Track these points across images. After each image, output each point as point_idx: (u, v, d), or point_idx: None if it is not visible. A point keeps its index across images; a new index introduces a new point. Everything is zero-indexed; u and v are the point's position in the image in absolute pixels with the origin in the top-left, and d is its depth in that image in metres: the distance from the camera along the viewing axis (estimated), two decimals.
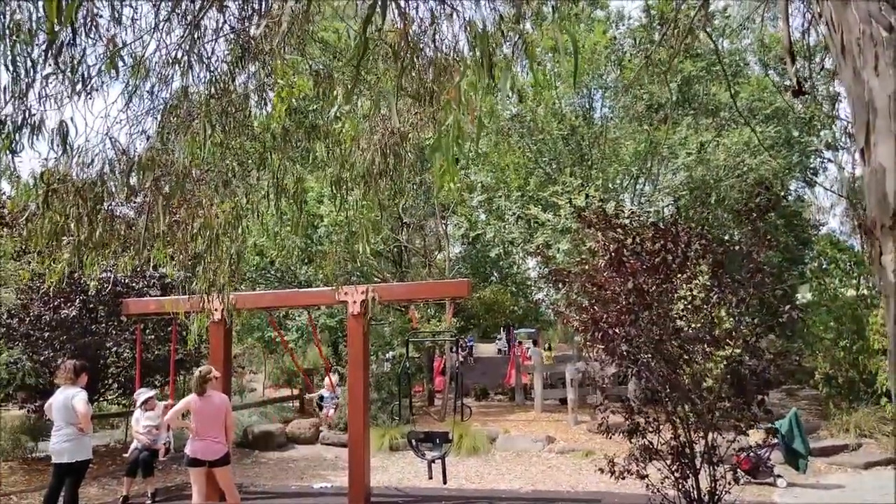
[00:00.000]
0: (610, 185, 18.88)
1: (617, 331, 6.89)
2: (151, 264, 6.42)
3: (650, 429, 6.76)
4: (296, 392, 20.13)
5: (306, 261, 19.67)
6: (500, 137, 18.55)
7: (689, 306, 6.81)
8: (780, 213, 17.67)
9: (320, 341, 23.27)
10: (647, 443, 6.70)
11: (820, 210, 31.49)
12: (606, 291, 7.41)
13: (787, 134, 18.16)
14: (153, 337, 12.57)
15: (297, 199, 6.16)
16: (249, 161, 6.08)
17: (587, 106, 20.50)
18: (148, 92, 5.15)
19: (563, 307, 8.43)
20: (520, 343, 29.83)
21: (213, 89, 5.32)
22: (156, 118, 5.30)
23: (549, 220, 16.44)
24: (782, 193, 19.58)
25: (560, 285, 8.39)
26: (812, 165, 22.42)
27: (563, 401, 18.53)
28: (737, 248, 6.93)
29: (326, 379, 15.97)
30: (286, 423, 15.62)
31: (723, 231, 17.41)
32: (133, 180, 5.24)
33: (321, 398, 15.37)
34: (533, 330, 34.41)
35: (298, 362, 22.85)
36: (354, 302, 9.41)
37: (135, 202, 6.01)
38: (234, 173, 6.10)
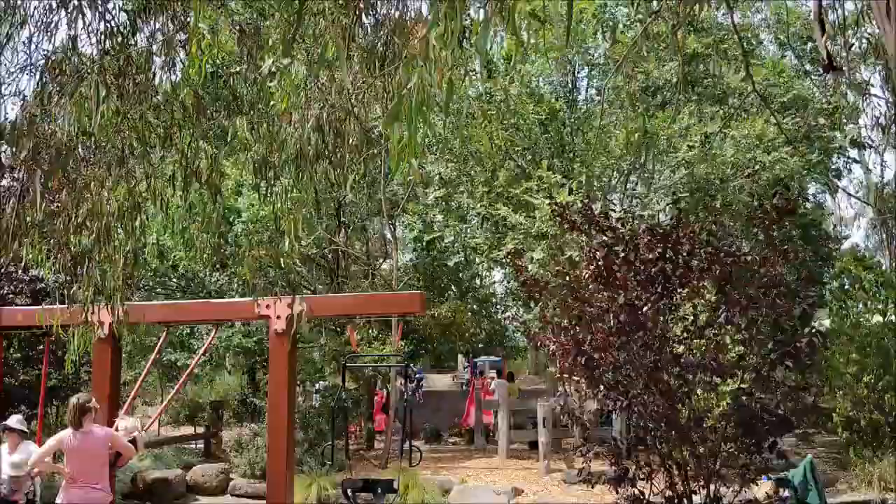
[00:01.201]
0: (595, 183, 19.17)
1: (603, 356, 6.97)
2: (21, 264, 6.24)
3: (641, 476, 6.85)
4: (200, 430, 19.83)
5: (218, 265, 19.43)
6: (464, 120, 18.66)
7: (691, 328, 6.93)
8: (796, 222, 18.17)
9: (230, 367, 23.01)
10: (637, 493, 6.78)
11: (842, 221, 32.43)
12: (591, 308, 7.49)
13: (807, 126, 18.70)
14: (19, 356, 12.23)
15: (212, 187, 6.08)
16: (152, 136, 5.97)
17: (570, 86, 20.81)
18: (25, 42, 5.02)
19: (537, 328, 8.49)
20: (481, 374, 29.90)
21: (109, 43, 5.21)
22: (33, 76, 5.17)
23: (521, 223, 16.60)
24: (799, 198, 20.14)
25: (534, 301, 8.47)
26: (835, 165, 23.13)
27: (534, 444, 18.62)
28: (748, 258, 7.10)
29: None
30: (187, 469, 15.34)
31: (728, 242, 17.83)
32: (1, 153, 5.10)
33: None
34: (497, 359, 34.58)
35: (203, 392, 22.54)
36: (278, 317, 9.34)
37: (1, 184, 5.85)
38: (132, 150, 5.98)
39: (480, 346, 32.17)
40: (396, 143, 2.48)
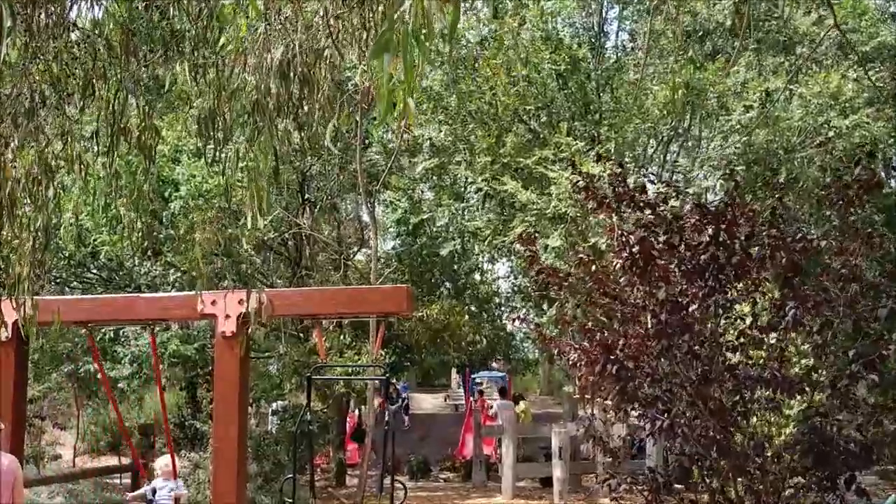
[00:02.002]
0: (628, 153, 19.20)
1: (638, 365, 6.99)
2: None
3: None
4: (125, 461, 19.78)
5: (150, 253, 19.37)
6: (463, 71, 18.63)
7: (749, 331, 6.94)
8: (879, 203, 18.18)
9: (165, 382, 23.00)
10: None
11: None
12: (624, 306, 7.50)
13: None
14: None
15: (144, 150, 6.05)
16: (69, 83, 5.92)
17: (597, 29, 20.78)
18: None
19: (554, 329, 8.51)
20: (481, 394, 30.08)
21: None
22: None
23: (533, 202, 16.61)
24: (884, 173, 20.15)
25: (549, 298, 8.50)
26: None
27: (546, 481, 18.72)
28: (821, 245, 7.10)
29: (160, 462, 11.74)
30: None
31: (795, 228, 17.81)
32: None
33: (153, 493, 11.64)
34: (501, 374, 34.73)
35: (128, 414, 22.48)
36: (227, 316, 9.32)
37: None
38: (43, 100, 5.93)
39: (480, 357, 32.23)
40: (386, 83, 2.45)
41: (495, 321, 25.59)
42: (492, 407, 25.93)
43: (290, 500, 14.45)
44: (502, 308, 26.88)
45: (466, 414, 27.02)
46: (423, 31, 2.51)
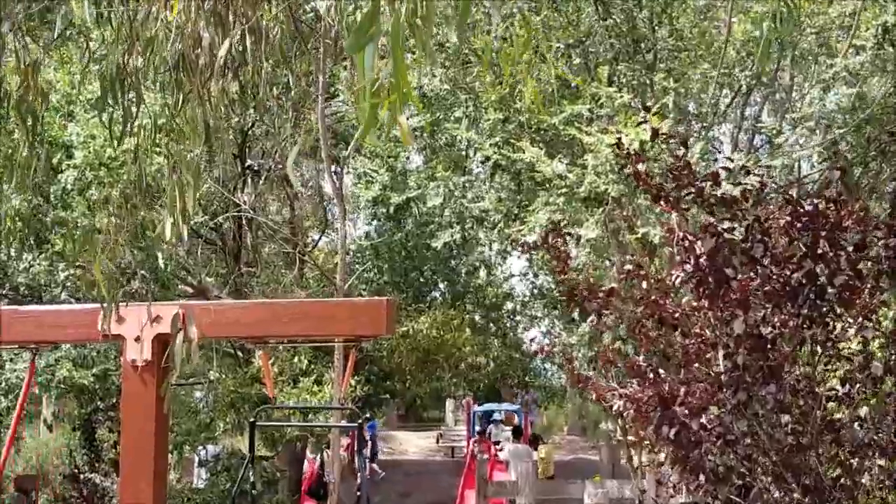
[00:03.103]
0: (692, 108, 19.18)
1: (706, 424, 6.99)
2: None
3: None
4: None
5: (32, 241, 19.33)
6: None
7: (859, 375, 6.93)
8: None
9: (51, 418, 22.92)
10: None
11: None
12: (687, 340, 7.49)
13: None
14: None
15: (21, 109, 6.09)
16: None
17: None
18: None
19: (588, 356, 8.57)
20: (480, 435, 30.24)
21: None
22: None
23: (561, 177, 16.58)
24: None
25: (582, 313, 8.49)
26: None
27: None
28: None
29: None
30: None
31: None
32: None
33: None
34: (514, 408, 34.79)
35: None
36: (140, 339, 9.33)
37: None
38: None
39: (487, 384, 32.37)
40: (369, 89, 2.41)
41: (507, 335, 25.69)
42: (501, 451, 26.01)
43: None
44: (517, 317, 27.00)
45: (467, 462, 27.09)
46: (421, 13, 2.49)
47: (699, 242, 7.47)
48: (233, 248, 21.64)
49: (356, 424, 11.93)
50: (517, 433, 27.98)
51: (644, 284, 8.13)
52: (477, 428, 34.19)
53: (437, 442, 39.75)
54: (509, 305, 26.86)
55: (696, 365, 7.28)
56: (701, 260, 7.35)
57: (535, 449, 25.24)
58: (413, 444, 39.81)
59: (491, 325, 24.87)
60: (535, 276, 27.87)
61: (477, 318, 24.06)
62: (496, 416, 33.94)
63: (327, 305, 11.42)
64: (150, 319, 9.11)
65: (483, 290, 24.87)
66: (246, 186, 21.64)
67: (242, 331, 10.34)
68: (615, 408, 8.21)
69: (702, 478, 6.94)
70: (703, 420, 7.01)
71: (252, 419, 10.48)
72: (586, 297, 7.93)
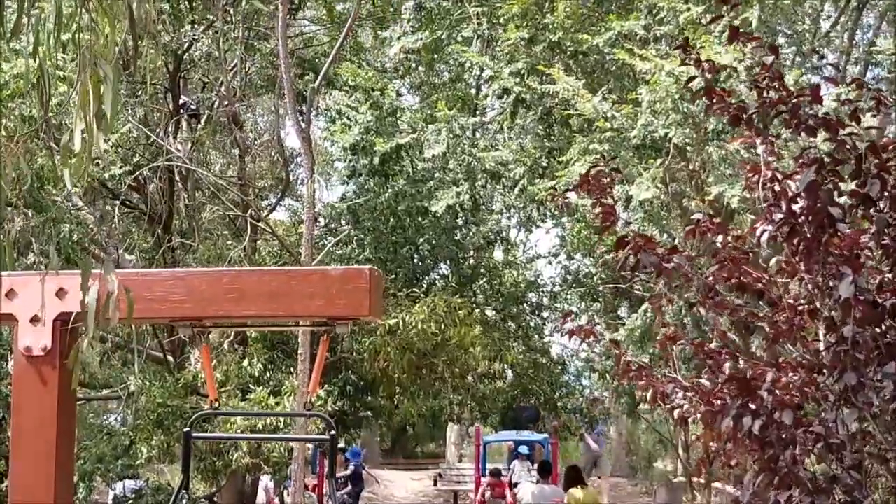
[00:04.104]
0: (783, 27, 19.17)
1: (802, 421, 6.99)
2: None
3: None
4: None
5: None
6: None
7: None
8: None
9: None
10: None
11: None
12: (776, 311, 7.51)
13: None
14: None
15: None
16: None
17: None
18: None
19: (641, 350, 8.56)
20: (494, 476, 30.34)
21: None
22: None
23: (607, 117, 16.62)
24: None
25: (635, 289, 8.49)
26: None
27: None
28: None
29: None
30: None
31: None
32: None
33: None
34: (540, 438, 34.71)
35: None
36: (35, 319, 9.31)
37: None
38: None
39: (503, 404, 32.27)
40: None
41: (530, 336, 25.56)
42: (520, 495, 26.01)
43: None
44: (543, 312, 26.97)
45: None
46: None
47: (791, 181, 7.49)
48: (161, 214, 21.57)
49: (327, 437, 11.78)
50: (544, 470, 27.78)
51: (719, 240, 8.13)
52: (489, 466, 34.16)
53: (435, 484, 39.55)
54: (534, 297, 26.78)
55: (789, 342, 7.26)
56: (795, 203, 7.36)
57: (569, 489, 25.06)
58: (402, 487, 39.80)
59: (509, 321, 24.70)
60: (570, 256, 27.91)
61: (490, 311, 23.88)
62: (522, 449, 33.86)
63: (291, 276, 11.33)
64: (57, 290, 9.12)
65: (498, 273, 24.72)
66: (180, 131, 21.63)
67: (178, 309, 10.22)
68: (677, 411, 8.18)
69: (796, 493, 6.93)
70: (798, 414, 7.01)
71: (187, 429, 10.37)
72: (641, 246, 7.90)
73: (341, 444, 33.30)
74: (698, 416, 7.85)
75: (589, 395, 33.68)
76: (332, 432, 11.72)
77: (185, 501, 10.78)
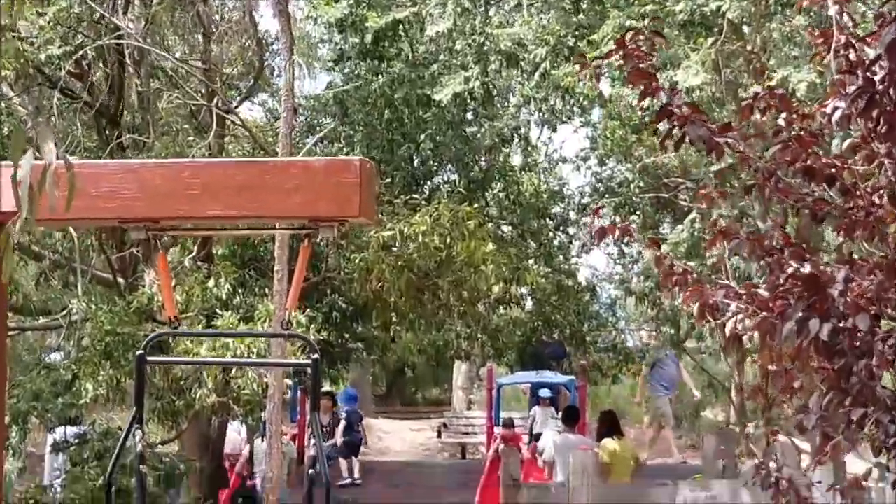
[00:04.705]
0: None
1: (875, 329, 6.95)
2: None
3: None
4: None
5: None
6: None
7: None
8: None
9: None
10: None
11: None
12: (848, 198, 7.45)
13: None
14: None
15: None
16: None
17: None
18: None
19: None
20: (507, 427, 30.32)
21: None
22: None
23: None
24: None
25: (679, 200, 8.45)
26: None
27: None
28: None
29: None
30: None
31: None
32: None
33: None
34: (566, 380, 34.41)
35: None
36: None
37: None
38: None
39: (521, 339, 32.11)
40: None
41: (554, 256, 25.47)
42: (542, 448, 25.96)
43: None
44: (570, 228, 26.93)
45: (487, 466, 27.11)
46: None
47: (871, 45, 7.43)
48: (109, 105, 21.49)
49: (308, 361, 11.56)
50: (570, 417, 27.52)
51: (783, 116, 8.06)
52: (503, 414, 33.92)
53: (440, 435, 39.37)
54: (558, 209, 26.71)
55: (864, 235, 7.21)
56: (873, 73, 7.30)
57: (612, 437, 24.80)
58: (400, 439, 39.78)
59: (526, 238, 24.52)
60: (602, 161, 27.79)
61: (504, 225, 23.74)
62: (543, 393, 33.49)
63: (265, 168, 11.21)
64: None
65: (515, 179, 24.54)
66: (131, 6, 21.55)
67: (125, 210, 10.11)
68: (729, 325, 8.09)
69: (871, 411, 6.89)
70: (877, 323, 6.97)
71: (141, 351, 10.25)
72: (688, 117, 7.83)
73: (328, 388, 33.33)
74: (755, 333, 7.77)
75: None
76: (315, 356, 11.62)
77: (139, 438, 10.70)
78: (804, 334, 6.85)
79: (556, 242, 25.92)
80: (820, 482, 7.99)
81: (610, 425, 25.03)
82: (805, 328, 6.82)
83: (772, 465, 7.90)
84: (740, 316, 7.86)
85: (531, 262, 24.44)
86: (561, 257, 25.88)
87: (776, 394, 8.12)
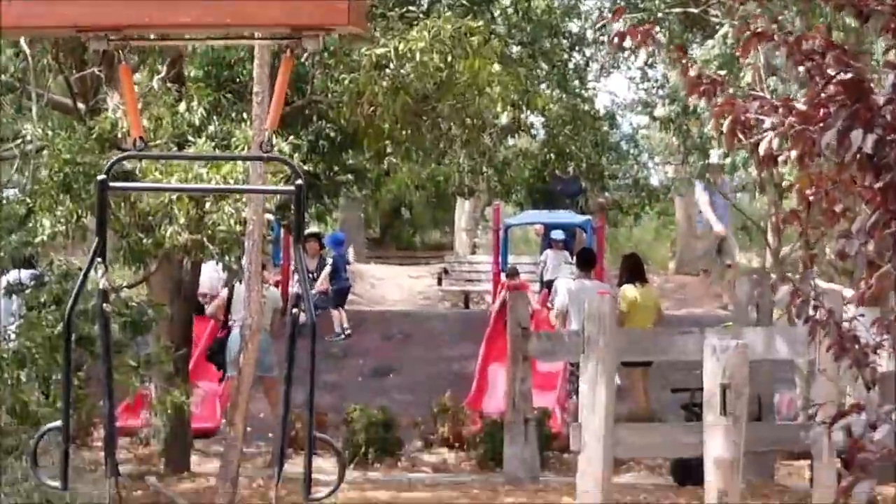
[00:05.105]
0: None
1: None
2: None
3: None
4: None
5: None
6: None
7: None
8: None
9: None
10: None
11: None
12: None
13: None
14: None
15: None
16: None
17: None
18: None
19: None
20: (511, 277, 30.39)
21: None
22: None
23: None
24: None
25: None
26: None
27: (690, 469, 18.91)
28: None
29: None
30: None
31: None
32: None
33: None
34: (578, 219, 34.29)
35: None
36: None
37: None
38: None
39: (530, 174, 31.95)
40: None
41: (569, 79, 25.38)
42: (555, 297, 26.06)
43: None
44: (586, 49, 26.85)
45: (492, 317, 27.25)
46: None
47: None
48: None
49: (291, 188, 11.49)
50: (585, 261, 27.40)
51: None
52: (511, 259, 33.87)
53: (440, 283, 39.41)
54: (574, 27, 26.63)
55: None
56: None
57: (635, 283, 24.82)
58: (396, 286, 39.81)
59: (535, 58, 24.32)
60: None
61: (511, 42, 23.58)
62: (556, 234, 33.25)
63: None
64: None
65: None
66: None
67: (83, 16, 10.10)
68: (763, 144, 8.07)
69: None
70: None
71: (102, 176, 10.22)
72: None
73: (315, 229, 33.21)
74: (792, 153, 7.78)
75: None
76: (299, 181, 11.62)
77: (101, 273, 10.73)
78: (846, 146, 6.87)
79: (570, 65, 25.72)
80: (864, 315, 8.00)
81: (632, 271, 25.15)
82: (847, 139, 6.84)
83: (809, 290, 7.93)
84: (777, 132, 7.87)
85: (543, 86, 24.22)
86: (577, 81, 25.69)
87: (816, 218, 8.12)
